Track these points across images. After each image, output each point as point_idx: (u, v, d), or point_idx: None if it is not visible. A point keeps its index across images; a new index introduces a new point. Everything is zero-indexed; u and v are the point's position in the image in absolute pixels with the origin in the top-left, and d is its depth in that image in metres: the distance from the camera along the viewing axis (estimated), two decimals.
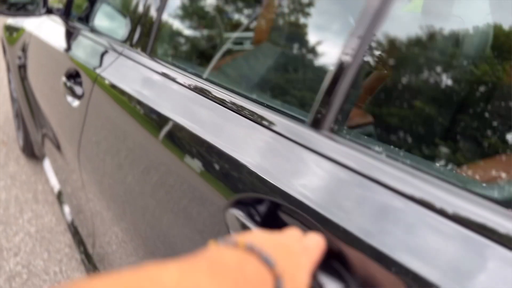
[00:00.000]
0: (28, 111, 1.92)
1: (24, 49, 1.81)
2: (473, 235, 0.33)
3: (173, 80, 0.79)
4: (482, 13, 0.63)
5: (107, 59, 1.05)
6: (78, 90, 1.12)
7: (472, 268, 0.33)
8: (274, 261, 0.35)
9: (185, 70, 0.82)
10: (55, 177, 1.69)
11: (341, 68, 0.48)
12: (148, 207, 0.80)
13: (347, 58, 0.48)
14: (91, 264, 1.27)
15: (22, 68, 1.85)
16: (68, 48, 1.32)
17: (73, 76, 1.17)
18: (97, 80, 1.01)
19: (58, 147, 1.44)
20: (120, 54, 1.01)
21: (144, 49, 0.94)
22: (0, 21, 2.50)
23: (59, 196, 1.64)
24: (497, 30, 0.59)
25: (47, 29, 1.58)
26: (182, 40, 1.07)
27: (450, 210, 0.36)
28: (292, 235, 0.42)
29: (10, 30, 2.15)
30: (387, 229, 0.39)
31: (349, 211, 0.42)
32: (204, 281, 0.29)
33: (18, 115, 2.27)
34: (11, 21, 2.17)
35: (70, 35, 1.38)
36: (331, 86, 0.49)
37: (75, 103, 1.12)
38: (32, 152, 2.19)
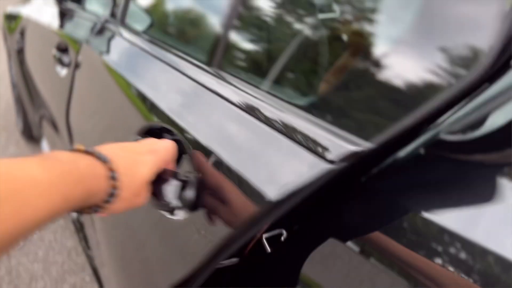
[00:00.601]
0: (26, 93, 2.02)
1: (22, 33, 1.91)
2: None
3: (143, 49, 0.89)
4: None
5: (91, 31, 1.15)
6: (65, 59, 1.22)
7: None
8: (110, 158, 0.40)
9: (155, 38, 0.91)
10: None
11: (225, 25, 0.65)
12: None
13: (227, 19, 0.65)
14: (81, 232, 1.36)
15: (20, 51, 1.95)
16: (60, 26, 1.42)
17: (63, 50, 1.27)
18: (80, 48, 1.11)
19: (54, 126, 1.53)
20: (103, 26, 1.11)
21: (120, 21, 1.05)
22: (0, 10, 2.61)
23: None
24: None
25: (42, 12, 1.68)
26: (149, 12, 1.17)
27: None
28: (144, 142, 0.48)
29: (10, 18, 2.26)
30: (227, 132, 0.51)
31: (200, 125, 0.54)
32: (33, 169, 0.31)
33: (18, 100, 2.37)
34: (11, 9, 2.27)
35: (63, 15, 1.48)
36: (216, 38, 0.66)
37: (63, 72, 1.22)
38: (30, 134, 2.29)
